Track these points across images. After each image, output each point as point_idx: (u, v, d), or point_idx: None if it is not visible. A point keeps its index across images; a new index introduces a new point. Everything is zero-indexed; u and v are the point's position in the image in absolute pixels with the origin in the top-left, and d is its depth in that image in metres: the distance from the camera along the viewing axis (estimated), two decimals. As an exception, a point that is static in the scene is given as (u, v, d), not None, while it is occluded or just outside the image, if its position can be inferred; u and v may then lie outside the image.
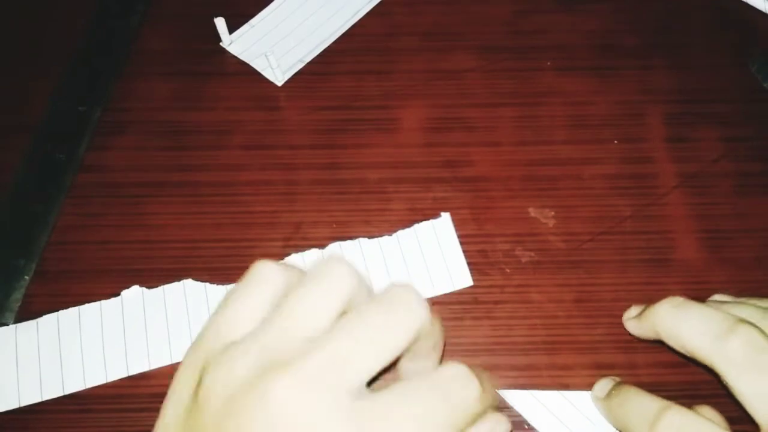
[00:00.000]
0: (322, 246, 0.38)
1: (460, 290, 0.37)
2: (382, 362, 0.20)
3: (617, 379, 0.33)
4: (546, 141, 0.42)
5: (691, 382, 0.35)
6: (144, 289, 0.37)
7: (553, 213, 0.40)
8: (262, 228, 0.39)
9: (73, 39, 0.46)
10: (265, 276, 0.22)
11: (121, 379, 0.35)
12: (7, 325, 0.36)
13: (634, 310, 0.34)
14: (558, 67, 0.45)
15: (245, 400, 0.19)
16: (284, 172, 0.41)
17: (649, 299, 0.37)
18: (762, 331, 0.28)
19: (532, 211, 0.40)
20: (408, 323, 0.21)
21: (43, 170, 0.41)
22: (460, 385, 0.21)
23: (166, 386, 0.35)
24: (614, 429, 0.32)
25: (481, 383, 0.22)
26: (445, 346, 0.26)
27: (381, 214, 0.40)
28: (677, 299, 0.31)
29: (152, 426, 0.34)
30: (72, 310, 0.37)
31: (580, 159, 0.42)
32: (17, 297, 0.37)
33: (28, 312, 0.37)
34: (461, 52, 0.46)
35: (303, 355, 0.20)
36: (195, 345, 0.22)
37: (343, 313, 0.21)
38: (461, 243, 0.38)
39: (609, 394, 0.32)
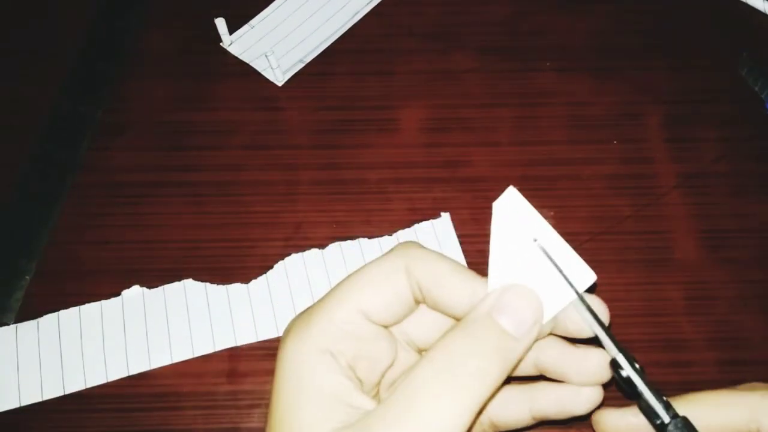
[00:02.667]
0: (322, 246, 0.38)
1: (459, 290, 0.37)
2: None
3: None
4: (545, 141, 0.42)
5: (692, 382, 0.35)
6: (144, 289, 0.37)
7: (552, 213, 0.40)
8: (262, 228, 0.39)
9: (73, 39, 0.46)
10: None
11: (122, 379, 0.35)
12: (8, 324, 0.36)
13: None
14: (557, 68, 0.45)
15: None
16: (284, 172, 0.41)
17: (648, 299, 0.37)
18: None
19: (532, 211, 0.40)
20: None
21: (43, 170, 0.41)
22: None
23: (167, 386, 0.35)
24: None
25: None
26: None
27: (381, 214, 0.40)
28: None
29: (152, 425, 0.34)
30: (72, 310, 0.37)
31: (579, 159, 0.42)
32: (18, 297, 0.37)
33: (29, 312, 0.37)
34: (461, 53, 0.46)
35: None
36: None
37: None
38: (461, 243, 0.38)
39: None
